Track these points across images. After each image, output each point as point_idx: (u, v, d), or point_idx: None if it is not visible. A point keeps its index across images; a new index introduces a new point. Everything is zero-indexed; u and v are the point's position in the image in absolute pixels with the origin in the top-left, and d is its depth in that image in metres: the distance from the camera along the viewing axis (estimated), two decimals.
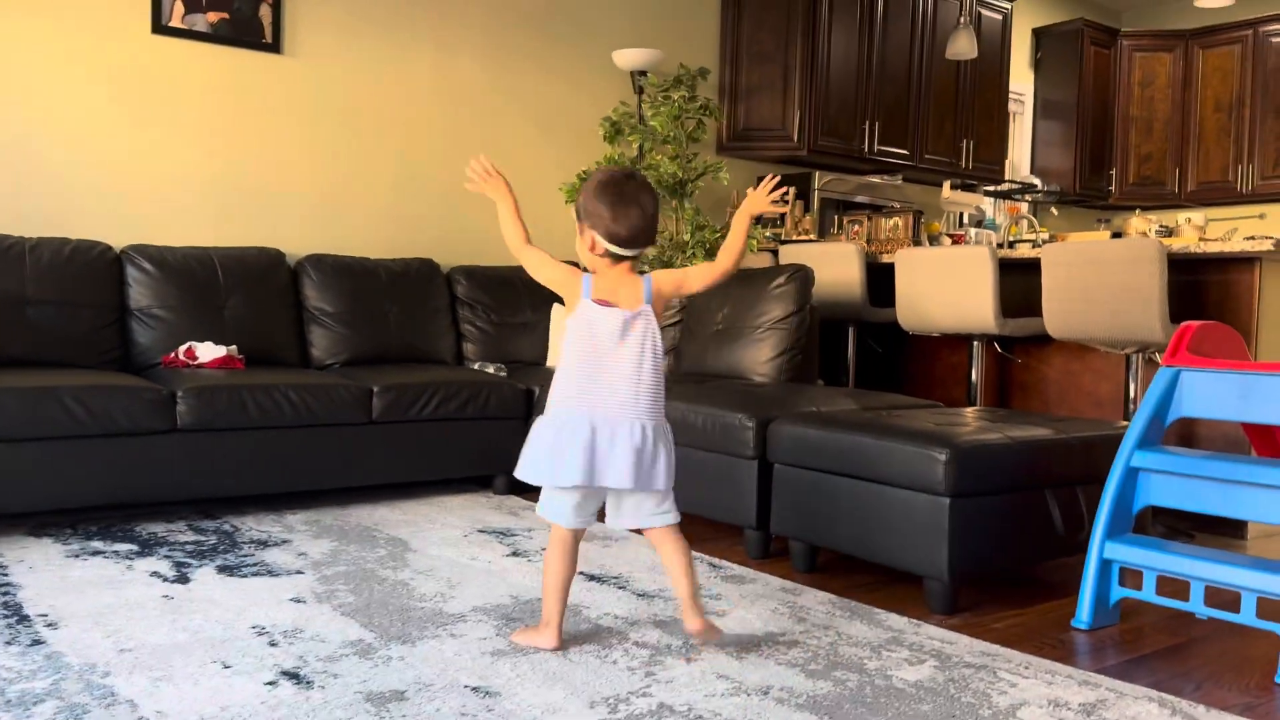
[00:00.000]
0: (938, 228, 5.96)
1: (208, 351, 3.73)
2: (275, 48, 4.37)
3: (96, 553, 2.89)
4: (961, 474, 2.52)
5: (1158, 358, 3.69)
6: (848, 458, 2.77)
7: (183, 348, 3.75)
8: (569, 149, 5.27)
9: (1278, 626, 2.19)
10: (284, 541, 3.08)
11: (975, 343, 4.28)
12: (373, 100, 4.66)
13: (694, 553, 3.09)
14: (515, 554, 3.01)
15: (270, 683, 1.96)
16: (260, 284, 4.09)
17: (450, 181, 4.90)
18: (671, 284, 2.27)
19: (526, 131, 5.14)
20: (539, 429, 2.19)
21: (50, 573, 2.67)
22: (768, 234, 5.55)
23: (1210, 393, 2.43)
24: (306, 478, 3.50)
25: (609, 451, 2.11)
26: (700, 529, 3.44)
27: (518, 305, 4.70)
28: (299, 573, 2.74)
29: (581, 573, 2.80)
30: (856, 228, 5.81)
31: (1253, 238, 3.68)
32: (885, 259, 4.75)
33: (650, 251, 5.01)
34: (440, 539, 3.17)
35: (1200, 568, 2.32)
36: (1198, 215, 6.02)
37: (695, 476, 3.18)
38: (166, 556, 2.86)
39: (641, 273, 2.29)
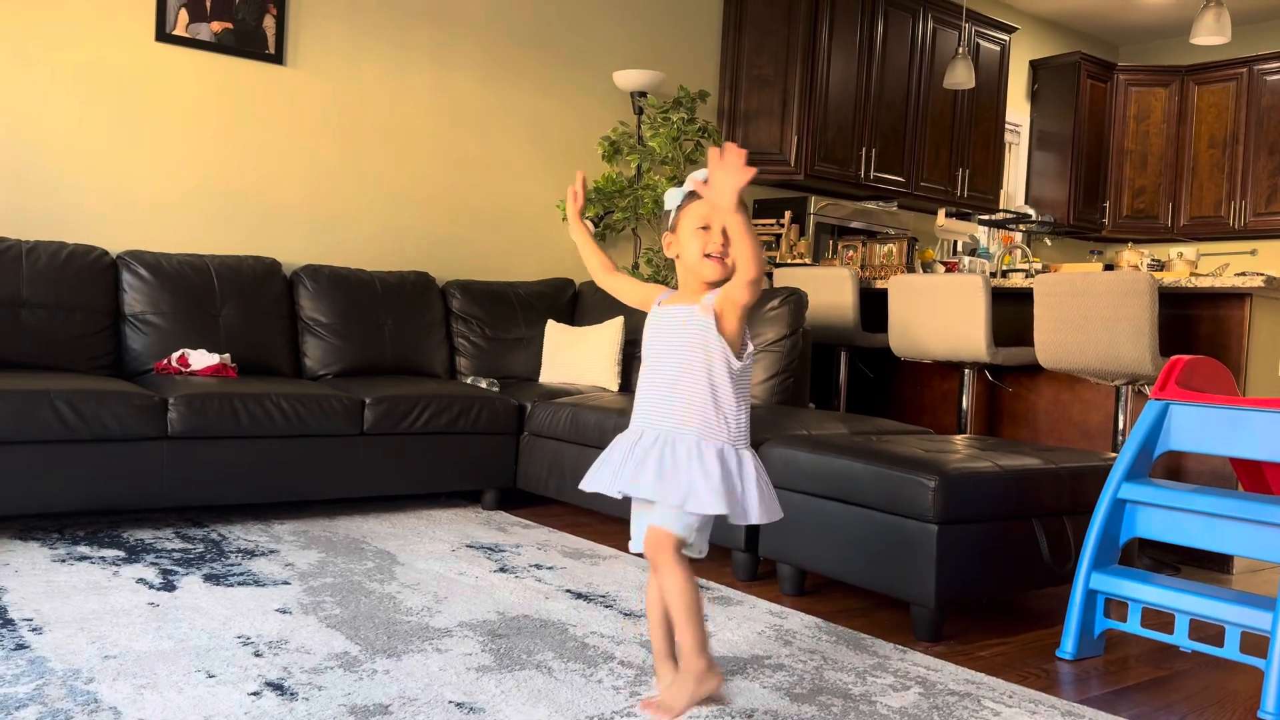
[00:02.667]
0: (931, 255, 5.99)
1: (201, 359, 3.73)
2: (278, 59, 4.39)
3: (83, 558, 2.88)
4: (950, 501, 2.53)
5: (1147, 390, 3.71)
6: (837, 482, 2.78)
7: (176, 354, 3.75)
8: (567, 167, 5.29)
9: (1261, 661, 2.20)
10: (271, 552, 3.07)
11: (966, 370, 4.30)
12: (373, 113, 4.68)
13: None
14: (503, 570, 3.01)
15: (254, 693, 1.95)
16: (255, 293, 4.09)
17: (448, 196, 4.92)
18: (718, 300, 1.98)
19: (525, 149, 5.17)
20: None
21: (36, 577, 2.66)
22: (763, 257, 5.57)
23: (1198, 427, 2.44)
24: (296, 488, 3.50)
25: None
26: None
27: (512, 321, 4.70)
28: (285, 583, 2.73)
29: (568, 590, 2.80)
30: (851, 253, 5.84)
31: (1244, 274, 3.72)
32: (879, 285, 4.78)
33: (645, 270, 5.04)
34: (428, 553, 3.17)
35: (1185, 601, 2.33)
36: (1190, 250, 6.06)
37: None
38: (153, 564, 2.86)
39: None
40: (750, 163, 1.83)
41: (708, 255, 1.96)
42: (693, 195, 2.00)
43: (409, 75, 4.78)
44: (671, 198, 2.06)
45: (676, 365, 1.97)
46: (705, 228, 1.97)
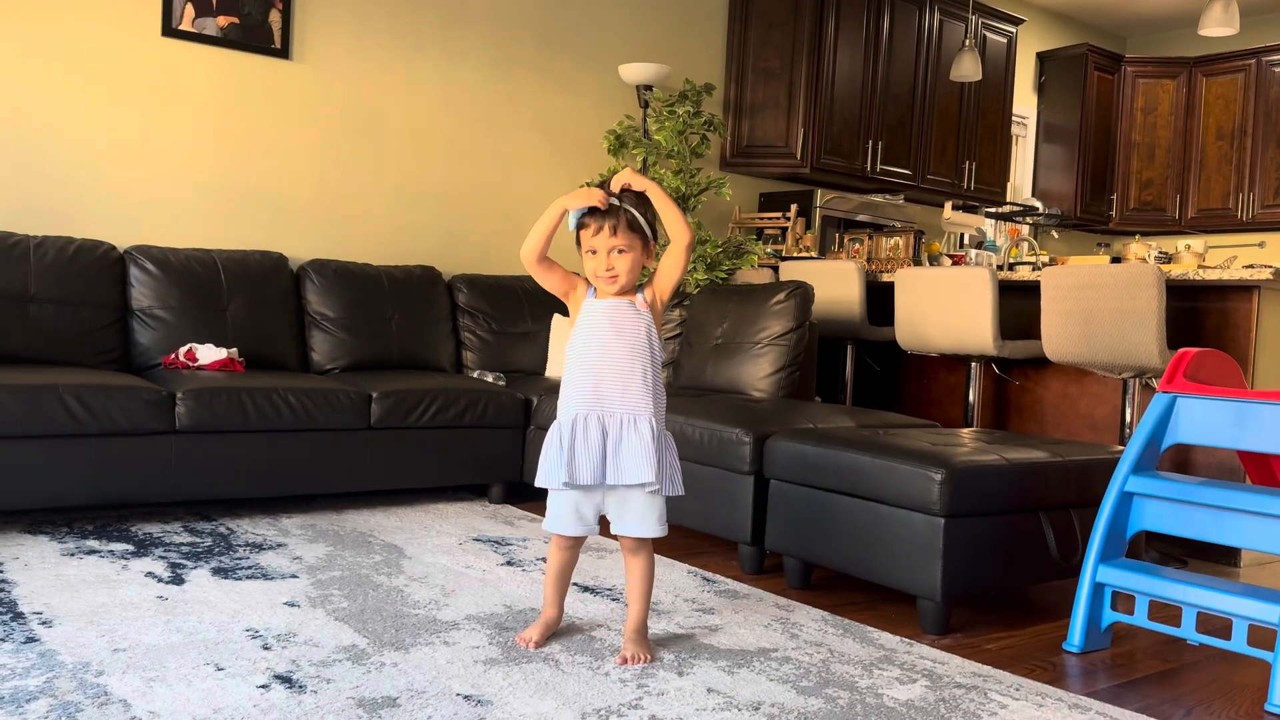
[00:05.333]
0: (938, 248, 5.98)
1: (208, 353, 3.74)
2: (284, 53, 4.40)
3: (92, 552, 2.89)
4: (957, 494, 2.53)
5: (1154, 383, 3.71)
6: (844, 475, 2.78)
7: (183, 349, 3.76)
8: (573, 161, 5.29)
9: (1268, 654, 2.20)
10: (279, 545, 3.08)
11: (973, 364, 4.29)
12: (379, 108, 4.68)
13: (689, 566, 3.11)
14: (510, 563, 3.01)
15: (263, 686, 1.96)
16: (262, 287, 4.10)
17: (454, 189, 4.92)
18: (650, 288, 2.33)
19: (531, 142, 5.16)
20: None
21: (45, 571, 2.67)
22: (769, 250, 5.57)
23: (1206, 419, 2.44)
24: (303, 482, 3.51)
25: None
26: (695, 543, 3.45)
27: (518, 315, 4.71)
28: (294, 577, 2.74)
29: (575, 584, 2.80)
30: (857, 246, 5.83)
31: (1252, 266, 3.70)
32: (885, 278, 4.77)
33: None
34: (435, 546, 3.17)
35: (1192, 594, 2.33)
36: (1197, 242, 6.04)
37: (691, 490, 3.18)
38: (162, 557, 2.87)
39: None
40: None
41: (600, 276, 2.25)
42: (581, 221, 2.26)
43: (415, 69, 4.78)
44: (573, 219, 2.28)
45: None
46: (593, 252, 2.25)
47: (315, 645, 2.21)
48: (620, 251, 2.23)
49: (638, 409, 2.21)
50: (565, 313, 4.76)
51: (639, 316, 2.26)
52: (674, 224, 2.25)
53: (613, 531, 2.28)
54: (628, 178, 2.24)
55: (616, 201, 2.24)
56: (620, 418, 2.21)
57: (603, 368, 2.23)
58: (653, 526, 2.25)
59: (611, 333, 2.24)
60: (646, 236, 2.27)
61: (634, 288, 2.30)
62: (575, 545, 2.35)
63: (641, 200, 2.26)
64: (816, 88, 5.84)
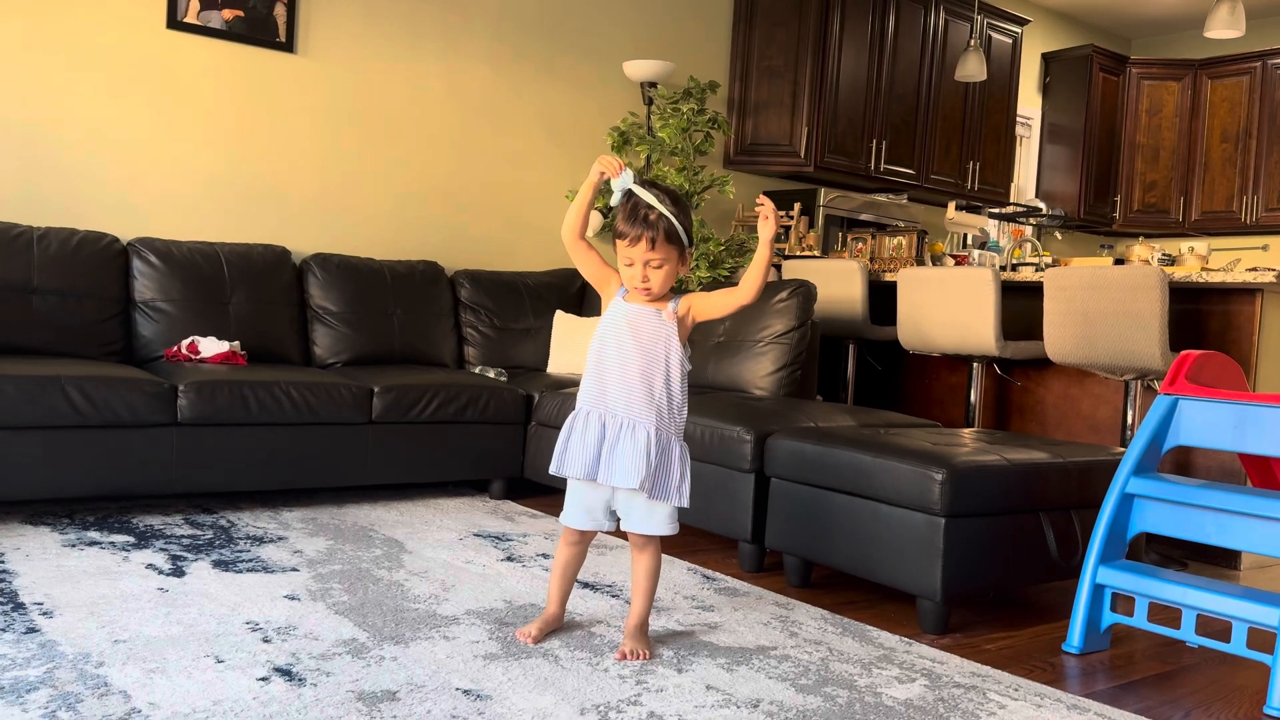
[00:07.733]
0: (941, 248, 5.97)
1: (210, 346, 3.74)
2: (288, 47, 4.39)
3: (93, 543, 2.89)
4: (957, 494, 2.53)
5: (1156, 385, 3.71)
6: (844, 474, 2.78)
7: (186, 342, 3.76)
8: (577, 157, 5.29)
9: (1268, 657, 2.20)
10: (280, 538, 3.09)
11: (975, 364, 4.29)
12: (383, 102, 4.68)
13: (689, 564, 3.11)
14: (510, 559, 3.02)
15: (263, 679, 1.96)
16: (265, 281, 4.10)
17: (457, 185, 4.92)
18: (684, 305, 2.29)
19: (535, 138, 5.16)
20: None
21: (47, 562, 2.68)
22: None
23: (1207, 422, 2.44)
24: (304, 475, 3.51)
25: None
26: (695, 540, 3.45)
27: (520, 311, 4.71)
28: (294, 570, 2.74)
29: (575, 580, 2.80)
30: (860, 245, 5.83)
31: (1255, 269, 3.70)
32: (888, 277, 4.77)
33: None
34: (436, 541, 3.18)
35: (1192, 596, 2.33)
36: (1201, 244, 6.03)
37: (692, 488, 3.18)
38: (163, 549, 2.87)
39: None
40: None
41: (635, 288, 2.24)
42: (619, 230, 2.21)
43: (419, 64, 4.78)
44: (618, 192, 2.22)
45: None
46: (629, 263, 2.22)
47: (315, 638, 2.21)
48: (656, 265, 2.20)
49: (639, 415, 2.20)
50: (568, 309, 4.77)
51: (661, 326, 2.24)
52: (752, 280, 2.24)
53: (622, 528, 2.29)
54: (770, 213, 2.21)
55: (631, 182, 2.20)
56: (621, 420, 2.21)
57: (612, 370, 2.23)
58: (661, 524, 2.25)
59: (630, 337, 2.23)
60: (684, 245, 2.23)
61: (665, 296, 2.27)
62: (582, 540, 2.35)
63: (679, 205, 2.22)
64: (821, 86, 5.83)
